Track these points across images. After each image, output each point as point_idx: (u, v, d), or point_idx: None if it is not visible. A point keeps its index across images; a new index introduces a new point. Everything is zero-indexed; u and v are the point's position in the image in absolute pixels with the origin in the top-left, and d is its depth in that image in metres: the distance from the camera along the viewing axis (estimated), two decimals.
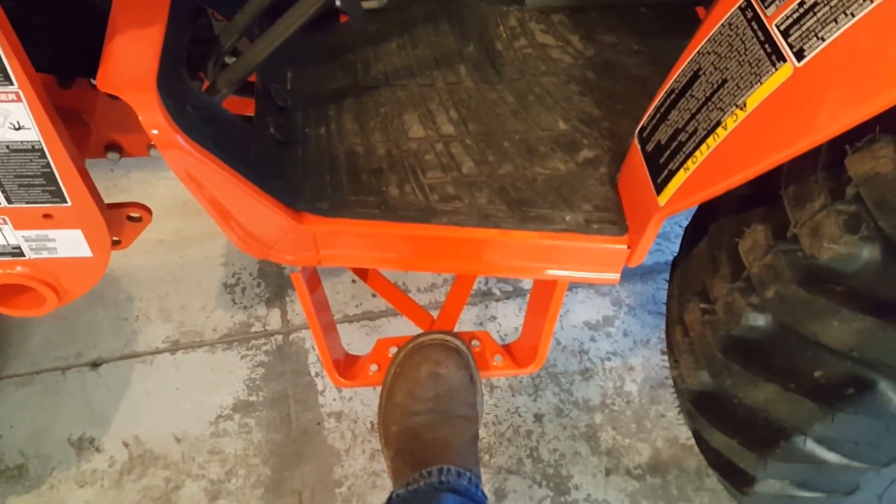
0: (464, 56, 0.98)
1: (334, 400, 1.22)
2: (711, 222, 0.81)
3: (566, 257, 0.82)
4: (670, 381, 0.94)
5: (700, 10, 1.04)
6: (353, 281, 1.37)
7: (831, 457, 0.73)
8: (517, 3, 1.04)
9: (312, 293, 0.88)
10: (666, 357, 0.92)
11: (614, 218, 0.80)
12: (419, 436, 0.84)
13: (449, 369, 0.87)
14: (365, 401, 1.22)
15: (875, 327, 0.62)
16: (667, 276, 0.94)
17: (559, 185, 0.83)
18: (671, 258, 0.92)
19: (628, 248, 0.80)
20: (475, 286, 1.32)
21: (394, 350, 0.97)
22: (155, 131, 0.65)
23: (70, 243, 0.78)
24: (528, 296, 1.34)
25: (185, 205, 1.47)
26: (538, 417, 1.21)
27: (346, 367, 0.95)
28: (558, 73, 0.95)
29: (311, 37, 1.01)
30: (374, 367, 0.98)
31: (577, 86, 0.94)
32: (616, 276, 0.83)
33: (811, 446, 0.72)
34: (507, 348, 0.97)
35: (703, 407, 0.83)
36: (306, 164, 0.85)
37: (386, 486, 1.14)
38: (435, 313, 1.06)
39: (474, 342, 0.96)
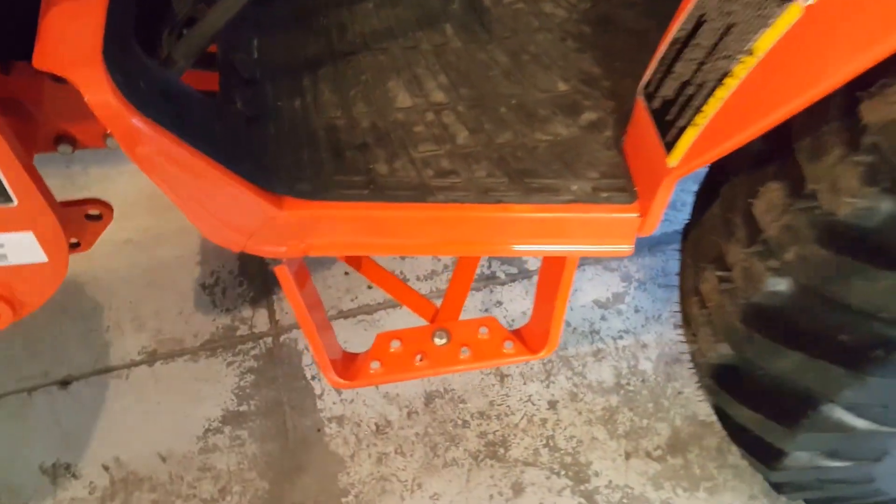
0: (448, 14, 0.96)
1: (334, 403, 1.22)
2: (723, 184, 0.81)
3: (575, 230, 0.82)
4: (686, 357, 0.94)
5: None
6: (346, 273, 1.36)
7: (860, 423, 0.74)
8: None
9: (301, 288, 0.87)
10: (680, 332, 0.92)
11: (623, 184, 0.80)
12: None
13: None
14: (368, 402, 1.22)
15: None
16: (676, 246, 0.94)
17: (563, 152, 0.83)
18: (680, 228, 0.92)
19: (639, 216, 0.80)
20: (478, 270, 1.31)
21: (396, 344, 0.96)
22: (106, 113, 0.61)
23: (21, 248, 0.75)
24: (536, 277, 1.34)
25: (152, 199, 1.43)
26: (552, 404, 1.22)
27: (345, 366, 0.95)
28: (552, 29, 0.94)
29: None
30: (375, 365, 0.97)
31: (573, 42, 0.93)
32: (630, 247, 0.83)
33: (840, 414, 0.73)
34: (516, 333, 0.97)
35: (724, 381, 0.84)
36: (280, 141, 0.83)
37: (395, 490, 1.15)
38: (437, 302, 1.06)
39: (482, 329, 0.95)
